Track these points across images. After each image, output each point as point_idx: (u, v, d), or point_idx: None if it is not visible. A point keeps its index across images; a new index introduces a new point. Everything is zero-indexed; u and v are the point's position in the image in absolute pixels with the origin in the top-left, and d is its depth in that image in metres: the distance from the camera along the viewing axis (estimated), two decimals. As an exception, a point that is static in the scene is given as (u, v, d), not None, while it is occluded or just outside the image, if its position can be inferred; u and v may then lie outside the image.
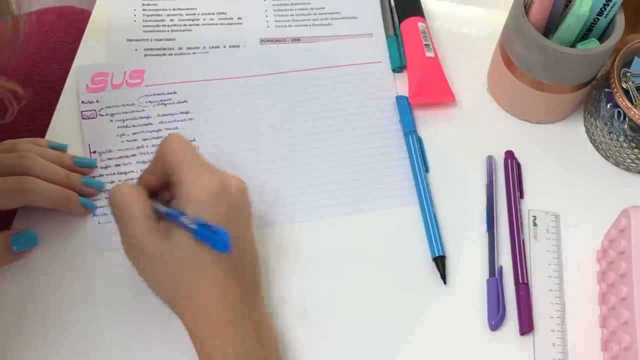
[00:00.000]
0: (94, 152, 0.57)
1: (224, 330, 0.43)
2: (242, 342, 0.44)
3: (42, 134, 0.57)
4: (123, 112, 0.59)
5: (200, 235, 0.43)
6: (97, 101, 0.59)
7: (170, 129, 0.58)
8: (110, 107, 0.59)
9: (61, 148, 0.55)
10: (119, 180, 0.56)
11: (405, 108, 0.60)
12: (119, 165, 0.56)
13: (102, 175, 0.56)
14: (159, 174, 0.47)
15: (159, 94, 0.60)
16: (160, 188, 0.48)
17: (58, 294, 0.51)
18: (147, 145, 0.57)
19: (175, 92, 0.60)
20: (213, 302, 0.44)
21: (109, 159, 0.57)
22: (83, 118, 0.58)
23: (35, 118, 0.61)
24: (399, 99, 0.61)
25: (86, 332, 0.50)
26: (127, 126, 0.58)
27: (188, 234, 0.44)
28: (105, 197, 0.55)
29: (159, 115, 0.59)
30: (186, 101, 0.60)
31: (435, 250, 0.53)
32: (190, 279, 0.44)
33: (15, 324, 0.50)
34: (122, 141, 0.57)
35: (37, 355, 0.49)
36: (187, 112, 0.60)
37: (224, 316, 0.44)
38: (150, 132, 0.58)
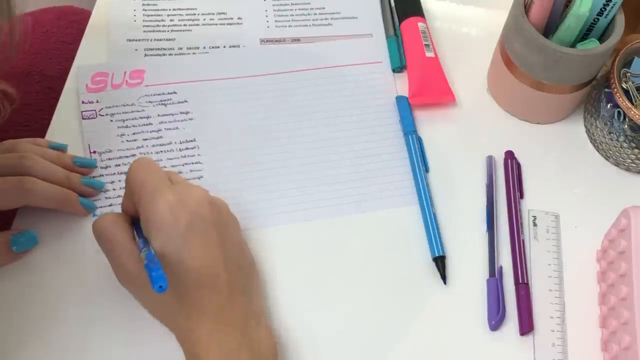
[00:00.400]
0: (94, 152, 0.57)
1: (208, 339, 0.43)
2: (230, 350, 0.43)
3: (42, 134, 0.57)
4: (123, 112, 0.59)
5: (147, 271, 0.42)
6: (97, 101, 0.59)
7: (170, 128, 0.58)
8: (110, 107, 0.59)
9: (61, 148, 0.55)
10: (119, 180, 0.56)
11: (405, 108, 0.60)
12: (119, 165, 0.56)
13: (102, 175, 0.56)
14: (132, 198, 0.47)
15: (159, 94, 0.60)
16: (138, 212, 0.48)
17: (58, 293, 0.51)
18: (147, 146, 0.57)
19: (175, 92, 0.60)
20: (197, 321, 0.44)
21: (109, 159, 0.57)
22: (83, 118, 0.58)
23: (35, 118, 0.61)
24: (399, 99, 0.61)
25: (85, 331, 0.50)
26: (127, 126, 0.58)
27: None
28: (106, 197, 0.55)
29: (159, 115, 0.59)
30: (186, 101, 0.60)
31: (435, 250, 0.53)
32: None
33: (15, 323, 0.50)
34: (122, 141, 0.57)
35: (37, 354, 0.49)
36: (187, 112, 0.60)
37: (208, 326, 0.44)
38: (150, 132, 0.58)
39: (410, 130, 0.59)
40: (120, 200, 0.54)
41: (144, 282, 0.42)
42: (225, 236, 0.46)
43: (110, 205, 0.54)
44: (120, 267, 0.46)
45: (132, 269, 0.45)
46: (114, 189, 0.55)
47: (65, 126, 0.58)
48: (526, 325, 0.51)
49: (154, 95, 0.60)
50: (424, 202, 0.56)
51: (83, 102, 0.59)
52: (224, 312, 0.44)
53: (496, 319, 0.51)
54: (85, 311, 0.50)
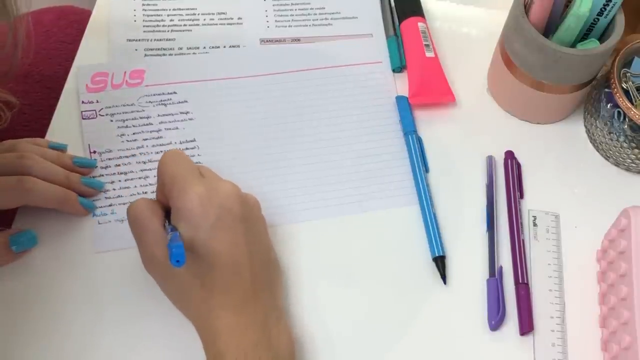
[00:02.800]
0: (94, 152, 0.57)
1: (229, 333, 0.44)
2: (251, 346, 0.44)
3: (42, 134, 0.57)
4: (123, 112, 0.59)
5: (169, 248, 0.42)
6: (97, 101, 0.59)
7: (170, 129, 0.58)
8: (110, 107, 0.59)
9: (61, 148, 0.55)
10: (119, 180, 0.56)
11: (405, 108, 0.60)
12: (118, 165, 0.56)
13: (102, 175, 0.56)
14: (163, 190, 0.47)
15: (159, 94, 0.60)
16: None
17: (57, 293, 0.51)
18: (147, 146, 0.57)
19: (175, 92, 0.60)
20: (217, 316, 0.44)
21: (109, 159, 0.57)
22: (83, 118, 0.58)
23: (35, 118, 0.61)
24: (399, 99, 0.61)
25: (85, 331, 0.50)
26: (127, 126, 0.58)
27: None
28: (106, 198, 0.55)
29: (159, 115, 0.59)
30: (186, 101, 0.60)
31: (435, 250, 0.53)
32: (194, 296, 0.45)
33: (15, 323, 0.50)
34: (122, 141, 0.57)
35: (37, 354, 0.49)
36: (187, 112, 0.60)
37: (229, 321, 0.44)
38: (150, 132, 0.58)
39: (410, 130, 0.59)
40: (120, 200, 0.55)
41: (170, 270, 0.43)
42: (252, 232, 0.47)
43: (110, 205, 0.54)
44: (148, 254, 0.46)
45: (159, 257, 0.45)
46: (113, 189, 0.55)
47: (65, 126, 0.58)
48: (526, 325, 0.51)
49: (154, 95, 0.60)
50: (424, 202, 0.56)
51: (83, 102, 0.59)
52: (246, 307, 0.45)
53: (496, 319, 0.51)
54: (84, 311, 0.50)
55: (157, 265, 0.46)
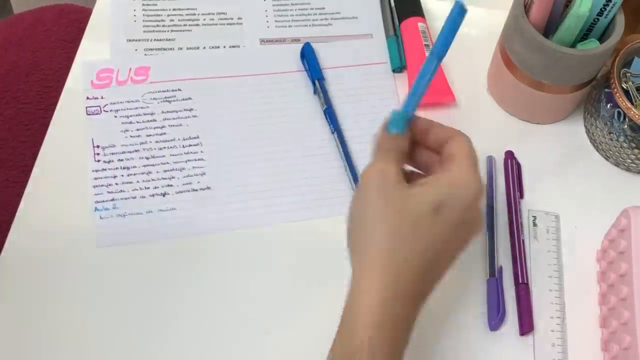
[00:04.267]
0: (98, 147, 0.57)
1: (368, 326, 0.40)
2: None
3: (43, 133, 0.57)
4: (127, 109, 0.59)
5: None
6: (102, 97, 0.59)
7: (174, 125, 0.59)
8: (114, 103, 0.59)
9: None
10: (122, 175, 0.56)
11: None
12: (122, 160, 0.56)
13: (105, 169, 0.56)
14: (436, 140, 0.45)
15: (163, 91, 0.60)
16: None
17: (59, 288, 0.51)
18: (150, 142, 0.58)
19: (179, 89, 0.60)
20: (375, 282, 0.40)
21: (112, 153, 0.57)
22: (88, 114, 0.58)
23: (36, 117, 0.61)
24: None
25: (86, 326, 0.50)
26: (131, 122, 0.58)
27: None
28: (108, 192, 0.55)
29: (163, 112, 0.59)
30: (190, 98, 0.60)
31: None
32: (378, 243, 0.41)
33: (16, 317, 0.50)
34: (126, 137, 0.58)
35: (38, 348, 0.49)
36: (191, 109, 0.60)
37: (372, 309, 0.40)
38: (154, 128, 0.58)
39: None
40: (122, 195, 0.55)
41: (387, 198, 0.41)
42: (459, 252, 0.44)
43: (112, 199, 0.55)
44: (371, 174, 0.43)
45: (392, 181, 0.42)
46: (116, 184, 0.55)
47: (67, 123, 0.58)
48: (526, 325, 0.51)
49: (158, 92, 0.60)
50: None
51: (88, 97, 0.59)
52: (395, 301, 0.41)
53: (496, 319, 0.51)
54: (85, 307, 0.50)
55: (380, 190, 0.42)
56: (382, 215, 0.41)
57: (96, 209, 0.54)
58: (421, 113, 0.61)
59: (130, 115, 0.59)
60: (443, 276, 0.44)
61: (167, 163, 0.57)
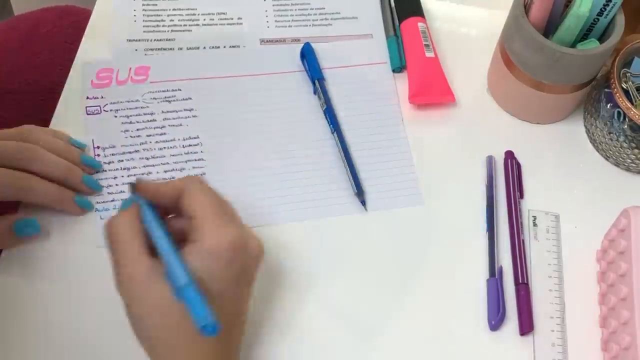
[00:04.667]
0: (98, 147, 0.57)
1: None
2: None
3: (43, 134, 0.57)
4: (127, 109, 0.59)
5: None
6: (102, 97, 0.59)
7: (174, 125, 0.59)
8: (114, 103, 0.59)
9: (81, 147, 0.55)
10: (122, 176, 0.56)
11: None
12: (122, 161, 0.56)
13: (105, 170, 0.56)
14: (181, 200, 0.44)
15: (163, 91, 0.60)
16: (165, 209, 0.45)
17: (59, 287, 0.51)
18: (150, 142, 0.58)
19: (179, 89, 0.60)
20: None
21: (112, 154, 0.57)
22: (87, 114, 0.58)
23: (36, 118, 0.61)
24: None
25: (86, 325, 0.50)
26: (131, 122, 0.58)
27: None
28: (108, 193, 0.55)
29: (163, 112, 0.59)
30: (190, 98, 0.60)
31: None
32: (158, 330, 0.42)
33: (16, 316, 0.50)
34: (126, 137, 0.58)
35: (38, 348, 0.49)
36: (191, 110, 0.60)
37: None
38: (154, 128, 0.58)
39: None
40: (122, 195, 0.55)
41: (145, 293, 0.40)
42: (249, 293, 0.45)
43: (112, 200, 0.55)
44: (124, 276, 0.42)
45: (138, 280, 0.41)
46: (116, 185, 0.55)
47: (66, 124, 0.58)
48: (526, 325, 0.51)
49: (158, 92, 0.60)
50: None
51: (88, 97, 0.59)
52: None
53: (496, 319, 0.51)
54: (86, 305, 0.50)
55: (132, 288, 0.42)
56: (153, 318, 0.41)
57: (96, 210, 0.54)
58: (421, 113, 0.61)
59: (130, 115, 0.59)
60: (243, 312, 0.46)
61: (167, 163, 0.57)
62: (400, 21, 0.66)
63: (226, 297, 0.42)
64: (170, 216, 0.46)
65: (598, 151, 0.60)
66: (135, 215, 0.43)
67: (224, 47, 0.64)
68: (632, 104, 0.55)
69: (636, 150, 0.57)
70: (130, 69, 0.61)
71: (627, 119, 0.56)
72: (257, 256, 0.44)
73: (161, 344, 0.41)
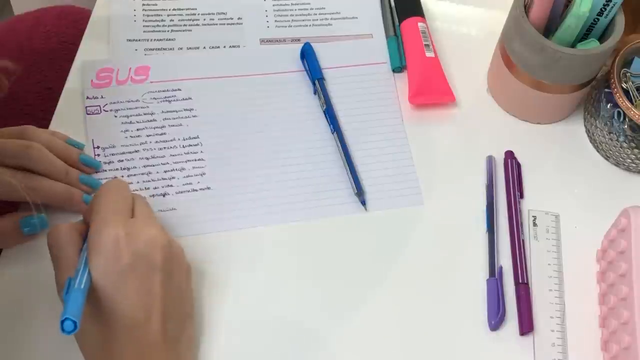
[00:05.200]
0: (97, 147, 0.57)
1: None
2: None
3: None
4: (127, 109, 0.59)
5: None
6: (102, 97, 0.59)
7: (174, 125, 0.59)
8: (114, 103, 0.59)
9: (78, 147, 0.55)
10: (122, 176, 0.56)
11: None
12: (122, 160, 0.56)
13: (105, 170, 0.56)
14: (89, 216, 0.46)
15: (163, 91, 0.60)
16: None
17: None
18: (150, 142, 0.58)
19: (179, 89, 0.60)
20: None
21: (112, 154, 0.57)
22: (87, 114, 0.58)
23: (36, 118, 0.61)
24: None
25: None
26: (131, 122, 0.58)
27: None
28: None
29: (163, 112, 0.59)
30: (190, 98, 0.60)
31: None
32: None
33: (16, 319, 0.50)
34: (126, 137, 0.58)
35: (37, 350, 0.49)
36: (191, 109, 0.60)
37: None
38: (154, 128, 0.58)
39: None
40: None
41: None
42: (168, 283, 0.45)
43: None
44: (60, 281, 0.44)
45: None
46: None
47: (66, 124, 0.58)
48: (526, 325, 0.51)
49: (158, 91, 0.60)
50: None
51: (87, 97, 0.59)
52: (146, 358, 0.43)
53: (496, 319, 0.51)
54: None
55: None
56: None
57: None
58: (421, 113, 0.61)
59: (130, 115, 0.59)
60: (188, 310, 0.48)
61: (167, 163, 0.57)
62: (400, 21, 0.66)
63: (128, 292, 0.43)
64: None
65: (598, 151, 0.60)
66: (76, 227, 0.46)
67: (224, 47, 0.64)
68: (632, 104, 0.55)
69: (636, 150, 0.57)
70: (130, 69, 0.61)
71: (627, 119, 0.56)
72: (152, 248, 0.44)
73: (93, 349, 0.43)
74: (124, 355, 0.42)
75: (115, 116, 0.58)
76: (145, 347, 0.43)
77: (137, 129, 0.58)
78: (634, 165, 0.58)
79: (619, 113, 0.56)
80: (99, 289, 0.42)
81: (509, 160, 0.58)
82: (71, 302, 0.40)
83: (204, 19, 0.66)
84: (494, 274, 0.53)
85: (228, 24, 0.66)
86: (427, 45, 0.63)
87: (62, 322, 0.39)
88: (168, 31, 0.64)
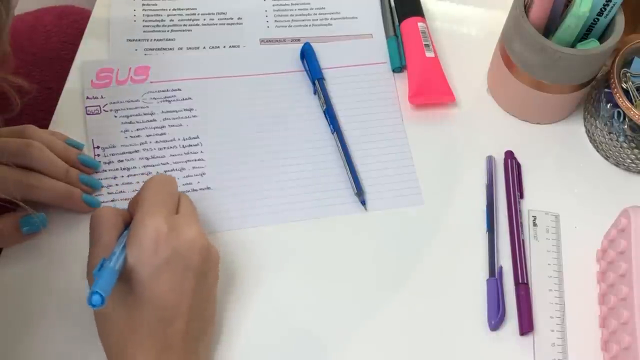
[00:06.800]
0: (98, 147, 0.57)
1: None
2: None
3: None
4: (127, 109, 0.59)
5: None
6: (102, 97, 0.59)
7: (173, 125, 0.59)
8: (114, 103, 0.59)
9: (78, 147, 0.55)
10: (122, 176, 0.56)
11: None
12: (121, 161, 0.56)
13: (105, 170, 0.56)
14: (134, 206, 0.47)
15: (163, 91, 0.60)
16: None
17: (59, 286, 0.51)
18: (150, 142, 0.58)
19: (179, 89, 0.60)
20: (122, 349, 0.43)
21: (112, 154, 0.57)
22: (87, 114, 0.58)
23: (36, 118, 0.61)
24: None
25: (84, 323, 0.49)
26: (131, 122, 0.58)
27: None
28: (108, 193, 0.55)
29: (162, 112, 0.59)
30: (190, 98, 0.60)
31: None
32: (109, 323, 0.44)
33: (16, 319, 0.50)
34: (126, 137, 0.58)
35: (37, 350, 0.49)
36: (190, 110, 0.60)
37: None
38: (154, 128, 0.58)
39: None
40: (122, 195, 0.55)
41: None
42: (199, 285, 0.45)
43: (112, 200, 0.55)
44: (90, 265, 0.45)
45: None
46: (116, 184, 0.55)
47: (66, 124, 0.58)
48: (526, 325, 0.51)
49: (158, 91, 0.60)
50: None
51: (87, 97, 0.59)
52: (166, 354, 0.43)
53: (496, 319, 0.51)
54: (86, 309, 0.50)
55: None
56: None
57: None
58: (421, 113, 0.61)
59: (130, 115, 0.59)
60: (210, 314, 0.48)
61: (167, 163, 0.57)
62: (400, 21, 0.66)
63: (160, 286, 0.43)
64: None
65: (598, 151, 0.60)
66: (121, 212, 0.47)
67: (224, 47, 0.64)
68: (632, 104, 0.55)
69: (636, 150, 0.57)
70: (130, 69, 0.61)
71: (627, 119, 0.56)
72: (191, 250, 0.45)
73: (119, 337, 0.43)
74: (144, 347, 0.42)
75: (115, 116, 0.58)
76: (166, 343, 0.43)
77: (137, 129, 0.58)
78: (634, 165, 0.58)
79: (619, 113, 0.56)
80: (132, 277, 0.43)
81: (509, 160, 0.58)
82: (102, 279, 0.41)
83: (204, 19, 0.66)
84: (494, 274, 0.53)
85: (228, 24, 0.66)
86: (427, 45, 0.63)
87: (91, 295, 0.39)
88: (168, 31, 0.64)
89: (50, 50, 0.68)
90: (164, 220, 0.44)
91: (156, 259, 0.43)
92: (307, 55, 0.62)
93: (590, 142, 0.61)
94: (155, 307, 0.43)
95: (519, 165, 0.58)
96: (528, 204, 0.57)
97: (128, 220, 0.47)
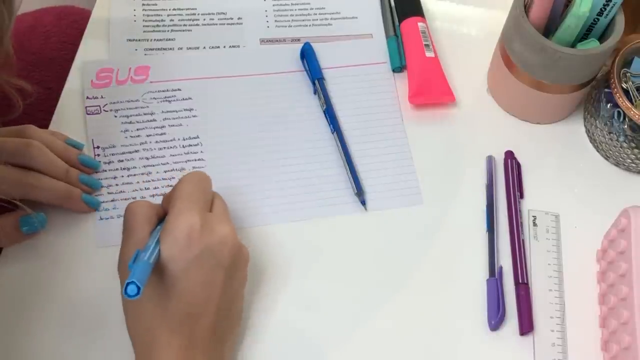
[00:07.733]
0: (98, 147, 0.57)
1: None
2: None
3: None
4: (127, 108, 0.59)
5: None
6: (102, 97, 0.59)
7: (174, 125, 0.59)
8: (114, 103, 0.59)
9: (77, 147, 0.55)
10: (122, 176, 0.56)
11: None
12: (121, 160, 0.56)
13: (105, 170, 0.56)
14: (169, 200, 0.47)
15: (163, 91, 0.60)
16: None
17: (58, 287, 0.51)
18: (150, 142, 0.58)
19: (179, 89, 0.60)
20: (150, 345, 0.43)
21: (112, 154, 0.57)
22: (87, 114, 0.58)
23: (36, 118, 0.61)
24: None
25: (85, 324, 0.50)
26: (131, 122, 0.58)
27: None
28: (108, 193, 0.55)
29: (163, 112, 0.59)
30: (190, 98, 0.60)
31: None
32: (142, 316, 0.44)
33: (15, 314, 0.50)
34: (126, 137, 0.58)
35: (37, 350, 0.49)
36: (191, 110, 0.60)
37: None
38: (154, 128, 0.58)
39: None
40: (122, 195, 0.55)
41: None
42: (229, 284, 0.46)
43: (112, 200, 0.55)
44: (124, 257, 0.45)
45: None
46: (116, 185, 0.55)
47: (66, 125, 0.58)
48: (526, 325, 0.51)
49: (158, 91, 0.60)
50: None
51: (87, 97, 0.59)
52: (193, 351, 0.43)
53: (496, 319, 0.51)
54: (86, 305, 0.50)
55: (126, 272, 0.44)
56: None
57: (96, 210, 0.54)
58: (421, 113, 0.61)
59: (130, 115, 0.59)
60: (237, 312, 0.48)
61: (167, 163, 0.57)
62: (400, 21, 0.66)
63: (191, 281, 0.44)
64: None
65: (598, 151, 0.60)
66: (156, 207, 0.47)
67: (224, 47, 0.64)
68: (632, 104, 0.55)
69: (636, 150, 0.57)
70: (130, 69, 0.61)
71: (627, 119, 0.56)
72: (224, 248, 0.45)
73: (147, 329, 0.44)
74: (171, 343, 0.43)
75: (115, 116, 0.58)
76: (193, 339, 0.43)
77: (137, 129, 0.58)
78: (634, 165, 0.58)
79: (619, 113, 0.56)
80: (164, 271, 0.43)
81: (509, 160, 0.58)
82: (138, 270, 0.41)
83: (204, 19, 0.66)
84: (494, 274, 0.53)
85: (228, 24, 0.66)
86: (427, 45, 0.63)
87: (127, 286, 0.40)
88: (168, 31, 0.64)
89: (50, 50, 0.68)
90: (197, 217, 0.45)
91: (188, 254, 0.43)
92: (307, 55, 0.62)
93: (590, 142, 0.61)
94: (185, 302, 0.43)
95: (519, 165, 0.58)
96: (528, 204, 0.57)
97: (162, 215, 0.47)
